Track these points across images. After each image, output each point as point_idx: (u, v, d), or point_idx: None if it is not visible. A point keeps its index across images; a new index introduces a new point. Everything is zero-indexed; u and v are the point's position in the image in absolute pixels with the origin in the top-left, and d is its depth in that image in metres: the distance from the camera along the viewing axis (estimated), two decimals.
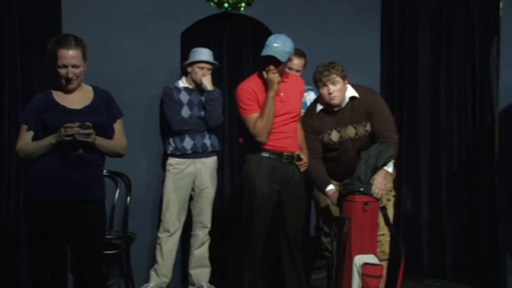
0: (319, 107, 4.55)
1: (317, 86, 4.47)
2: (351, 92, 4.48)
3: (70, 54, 3.61)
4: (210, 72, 5.21)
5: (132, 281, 5.27)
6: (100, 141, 3.64)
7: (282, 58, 4.38)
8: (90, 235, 3.67)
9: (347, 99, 4.48)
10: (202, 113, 5.21)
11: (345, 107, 4.49)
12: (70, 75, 3.62)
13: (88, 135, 3.52)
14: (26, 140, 3.64)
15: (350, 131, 4.49)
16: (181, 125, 5.15)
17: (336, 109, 4.49)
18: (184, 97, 5.22)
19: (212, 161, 5.31)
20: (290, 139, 4.54)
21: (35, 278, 3.63)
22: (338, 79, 4.39)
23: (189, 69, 5.23)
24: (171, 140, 5.22)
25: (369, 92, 4.59)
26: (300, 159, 4.54)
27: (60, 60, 3.61)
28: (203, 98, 5.20)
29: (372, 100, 4.52)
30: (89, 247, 3.68)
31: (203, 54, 5.19)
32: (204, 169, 5.25)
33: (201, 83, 5.17)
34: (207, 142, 5.25)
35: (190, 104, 5.21)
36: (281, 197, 4.55)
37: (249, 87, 4.51)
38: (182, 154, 5.18)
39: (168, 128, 5.22)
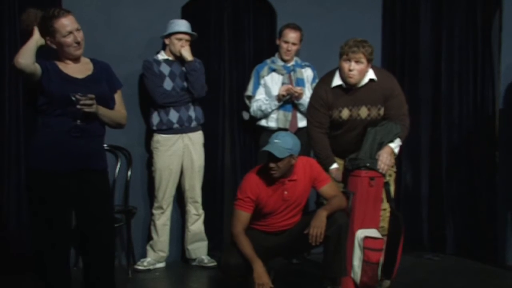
0: (335, 82, 4.46)
1: (341, 57, 4.38)
2: (370, 74, 4.45)
3: (70, 20, 3.55)
4: (188, 43, 5.16)
5: (133, 255, 5.30)
6: (103, 111, 3.62)
7: (279, 154, 4.03)
8: (95, 205, 3.66)
9: (365, 81, 4.45)
10: (185, 84, 5.17)
11: (362, 88, 4.44)
12: (79, 39, 3.57)
13: (90, 105, 3.50)
14: None
15: (363, 112, 4.46)
16: (164, 98, 5.10)
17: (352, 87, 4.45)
18: (165, 69, 5.17)
19: (198, 136, 5.30)
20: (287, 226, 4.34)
21: (38, 250, 3.61)
22: (364, 60, 4.33)
23: (167, 41, 5.18)
24: (155, 114, 5.17)
25: (388, 77, 4.59)
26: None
27: (63, 29, 3.53)
28: (184, 69, 5.16)
29: (391, 85, 4.51)
30: (96, 217, 3.66)
31: (181, 25, 5.15)
32: (192, 145, 5.25)
33: (180, 54, 5.13)
34: (192, 114, 5.21)
35: (172, 75, 5.17)
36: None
37: (256, 182, 4.18)
38: (169, 129, 5.15)
39: (151, 102, 5.17)
